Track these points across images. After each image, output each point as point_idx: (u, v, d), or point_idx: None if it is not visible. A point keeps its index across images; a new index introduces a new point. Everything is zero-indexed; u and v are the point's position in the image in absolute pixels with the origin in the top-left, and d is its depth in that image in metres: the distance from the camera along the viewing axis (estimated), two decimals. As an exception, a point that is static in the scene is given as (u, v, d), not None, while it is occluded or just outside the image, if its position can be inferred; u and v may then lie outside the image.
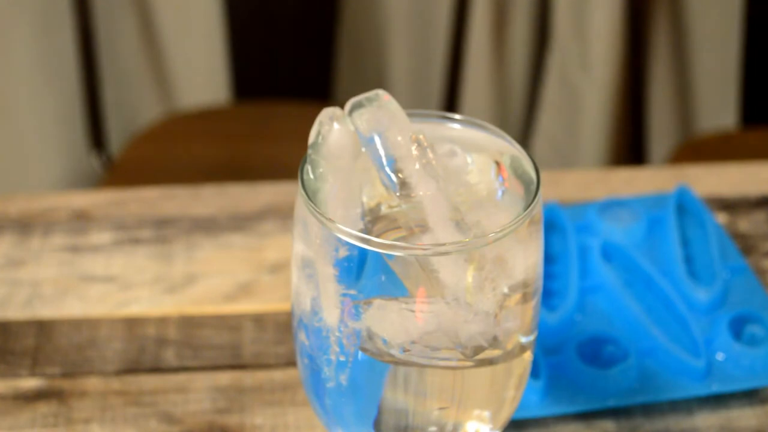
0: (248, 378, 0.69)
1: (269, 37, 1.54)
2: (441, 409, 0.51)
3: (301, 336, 0.52)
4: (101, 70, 1.59)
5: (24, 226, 0.81)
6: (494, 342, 0.49)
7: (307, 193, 0.48)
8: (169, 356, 0.71)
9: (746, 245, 0.79)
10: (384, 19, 1.71)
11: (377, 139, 0.48)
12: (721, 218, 0.82)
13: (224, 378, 0.69)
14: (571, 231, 0.76)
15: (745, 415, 0.67)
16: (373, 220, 0.49)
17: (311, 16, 1.53)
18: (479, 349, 0.49)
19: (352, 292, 0.48)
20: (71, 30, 1.58)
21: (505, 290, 0.49)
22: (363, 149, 0.48)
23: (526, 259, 0.49)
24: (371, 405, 0.52)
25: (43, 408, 0.67)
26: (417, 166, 0.47)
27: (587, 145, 1.71)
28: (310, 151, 0.49)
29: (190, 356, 0.71)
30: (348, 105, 0.49)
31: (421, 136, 0.48)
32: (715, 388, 0.67)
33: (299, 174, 0.49)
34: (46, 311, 0.74)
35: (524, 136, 1.80)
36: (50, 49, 1.63)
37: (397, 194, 0.48)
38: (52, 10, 1.61)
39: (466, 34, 1.53)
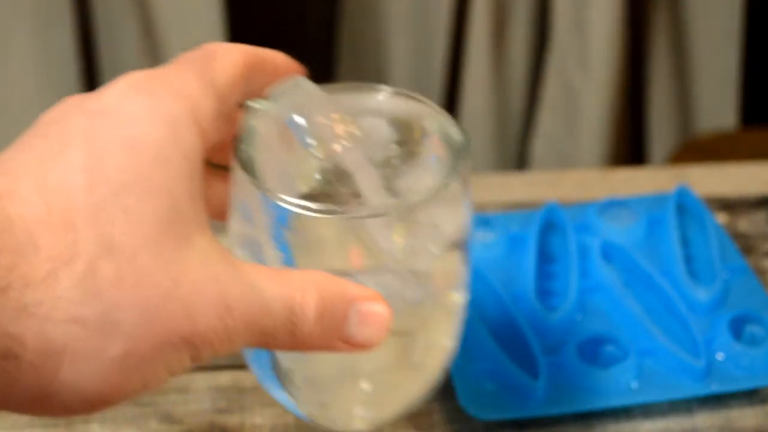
0: (248, 378, 0.69)
1: (269, 37, 1.54)
2: (377, 366, 0.53)
3: None
4: (101, 70, 1.59)
5: (24, 226, 0.81)
6: (432, 302, 0.51)
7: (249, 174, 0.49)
8: (169, 356, 0.71)
9: (746, 245, 0.79)
10: (384, 20, 1.71)
11: (301, 120, 0.49)
12: (721, 218, 0.82)
13: (224, 378, 0.69)
14: (571, 231, 0.76)
15: (745, 415, 0.67)
16: (306, 196, 0.51)
17: (311, 17, 1.54)
18: (419, 310, 0.51)
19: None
20: (71, 30, 1.58)
21: (439, 250, 0.50)
22: (289, 132, 0.50)
23: (458, 218, 0.51)
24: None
25: (43, 408, 0.67)
26: (342, 141, 0.50)
27: (587, 145, 1.71)
28: (239, 143, 0.50)
29: (190, 356, 0.71)
30: (268, 91, 0.50)
31: (342, 113, 0.50)
32: (715, 388, 0.67)
33: (236, 160, 0.50)
34: (46, 311, 0.74)
35: (524, 136, 1.80)
36: (50, 49, 1.63)
37: (327, 169, 0.50)
38: (51, 10, 1.61)
39: (465, 34, 1.53)
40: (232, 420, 0.66)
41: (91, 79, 1.51)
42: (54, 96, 1.65)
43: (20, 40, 1.61)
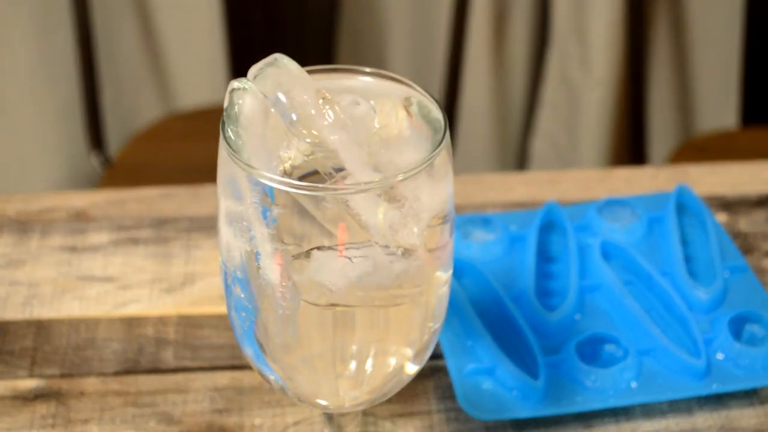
0: (247, 378, 0.69)
1: (269, 36, 1.54)
2: (366, 343, 0.54)
3: (237, 290, 0.54)
4: (100, 70, 1.59)
5: (22, 226, 0.81)
6: (417, 275, 0.52)
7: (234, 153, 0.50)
8: (168, 356, 0.70)
9: (746, 245, 0.79)
10: (384, 19, 1.71)
11: (284, 99, 0.51)
12: (721, 218, 0.82)
13: (223, 378, 0.69)
14: (571, 231, 0.76)
15: (744, 415, 0.67)
16: (292, 174, 0.51)
17: (311, 16, 1.53)
18: (406, 285, 0.52)
19: (289, 246, 0.50)
20: (71, 30, 1.58)
21: (424, 224, 0.51)
22: (272, 110, 0.51)
23: (441, 193, 0.52)
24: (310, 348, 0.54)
25: (42, 408, 0.67)
26: (324, 118, 0.51)
27: (587, 144, 1.71)
28: (224, 122, 0.51)
29: (189, 356, 0.70)
30: (251, 72, 0.52)
31: (323, 91, 0.51)
32: (715, 387, 0.67)
33: (222, 138, 0.51)
34: (44, 311, 0.74)
35: (524, 136, 1.80)
36: (50, 49, 1.63)
37: (311, 145, 0.51)
38: (51, 10, 1.61)
39: (466, 33, 1.53)
40: (230, 420, 0.66)
41: (91, 79, 1.51)
42: (54, 95, 1.65)
43: (21, 41, 1.61)
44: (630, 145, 1.63)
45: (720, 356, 0.68)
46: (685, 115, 1.76)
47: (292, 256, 0.50)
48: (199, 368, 0.70)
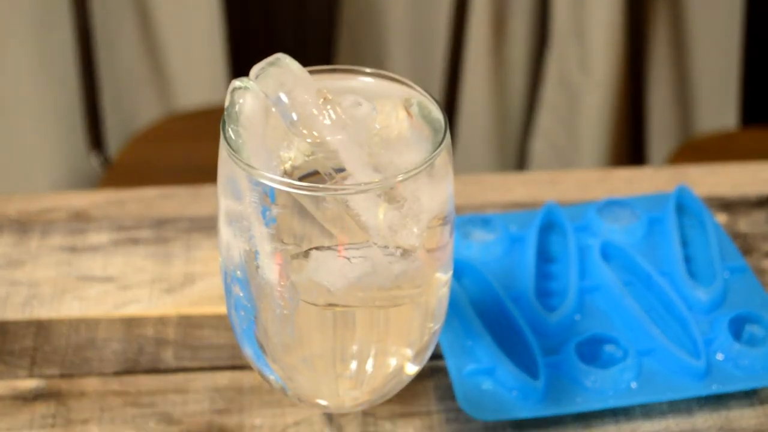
0: (247, 378, 0.69)
1: (269, 36, 1.54)
2: (366, 344, 0.54)
3: (236, 290, 0.54)
4: (100, 70, 1.59)
5: (22, 226, 0.81)
6: (417, 275, 0.52)
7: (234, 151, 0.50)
8: (168, 357, 0.70)
9: (746, 245, 0.79)
10: (384, 20, 1.71)
11: (285, 99, 0.50)
12: (721, 218, 0.82)
13: (223, 378, 0.69)
14: (571, 231, 0.76)
15: (744, 416, 0.67)
16: (292, 174, 0.52)
17: (311, 16, 1.53)
18: (406, 285, 0.52)
19: (289, 246, 0.50)
20: (70, 29, 1.58)
21: (424, 225, 0.51)
22: (273, 110, 0.51)
23: (441, 193, 0.52)
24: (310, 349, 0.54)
25: (42, 408, 0.67)
26: (325, 118, 0.50)
27: (587, 145, 1.71)
28: (225, 121, 0.51)
29: (188, 357, 0.70)
30: (253, 71, 0.51)
31: (325, 91, 0.51)
32: (715, 388, 0.67)
33: (222, 137, 0.51)
34: (44, 312, 0.74)
35: (524, 136, 1.80)
36: (49, 48, 1.63)
37: (312, 145, 0.51)
38: (50, 10, 1.61)
39: (465, 33, 1.53)
40: (230, 421, 0.66)
41: (91, 79, 1.51)
42: (53, 95, 1.65)
43: (19, 40, 1.61)
44: (629, 146, 1.63)
45: (720, 357, 0.68)
46: (685, 115, 1.76)
47: (291, 256, 0.50)
48: (199, 368, 0.70)
